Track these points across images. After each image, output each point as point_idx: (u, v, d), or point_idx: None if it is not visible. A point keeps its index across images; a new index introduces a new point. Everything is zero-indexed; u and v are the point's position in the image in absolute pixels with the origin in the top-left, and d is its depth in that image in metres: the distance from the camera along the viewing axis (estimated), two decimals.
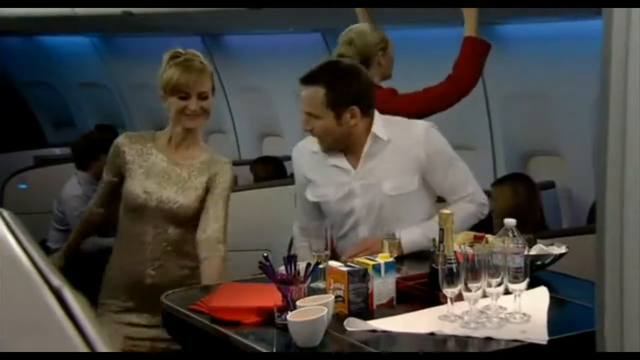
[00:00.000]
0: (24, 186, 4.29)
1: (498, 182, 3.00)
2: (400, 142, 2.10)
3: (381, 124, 2.10)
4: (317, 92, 2.03)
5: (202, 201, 2.09)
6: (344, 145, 2.11)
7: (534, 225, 2.84)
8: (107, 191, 2.22)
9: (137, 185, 2.10)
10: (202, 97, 2.06)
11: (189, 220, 2.09)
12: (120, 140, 2.17)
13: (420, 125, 2.14)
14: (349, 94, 2.04)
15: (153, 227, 2.09)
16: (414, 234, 2.08)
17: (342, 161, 2.12)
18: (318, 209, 2.18)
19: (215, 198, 2.09)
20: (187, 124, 2.09)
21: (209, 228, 2.05)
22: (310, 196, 2.16)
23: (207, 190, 2.10)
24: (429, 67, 3.45)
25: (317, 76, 2.05)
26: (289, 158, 2.56)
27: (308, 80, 2.06)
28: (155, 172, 2.11)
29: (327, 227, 2.03)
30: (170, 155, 2.13)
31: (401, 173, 2.10)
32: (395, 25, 3.47)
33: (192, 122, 2.09)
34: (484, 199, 2.17)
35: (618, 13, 1.14)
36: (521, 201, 2.85)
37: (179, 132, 2.12)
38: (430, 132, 2.12)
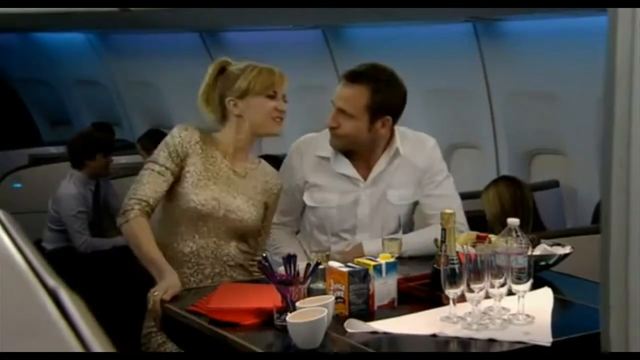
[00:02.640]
0: (18, 185, 4.26)
1: (485, 188, 2.97)
2: (411, 156, 2.11)
3: (399, 137, 2.11)
4: (361, 93, 2.00)
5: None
6: (356, 152, 2.09)
7: (526, 226, 2.82)
8: (166, 188, 1.90)
9: (203, 191, 1.92)
10: (285, 100, 1.98)
11: (251, 233, 2.01)
12: (183, 132, 1.94)
13: (430, 141, 2.16)
14: (389, 103, 2.03)
15: (214, 240, 1.94)
16: (413, 239, 2.07)
17: (350, 170, 2.11)
18: (300, 210, 2.17)
19: (271, 216, 2.05)
20: (275, 129, 1.97)
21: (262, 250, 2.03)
22: (310, 200, 2.13)
23: (265, 203, 2.02)
24: (420, 63, 3.44)
25: (365, 76, 2.01)
26: None
27: (354, 78, 2.02)
28: (222, 179, 1.96)
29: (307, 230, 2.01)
30: (233, 163, 2.00)
31: (405, 184, 2.12)
32: (387, 23, 3.46)
33: (279, 126, 1.96)
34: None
35: (623, 13, 1.13)
36: (506, 203, 2.83)
37: (243, 139, 1.98)
38: (436, 147, 2.16)
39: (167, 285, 1.81)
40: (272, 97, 1.96)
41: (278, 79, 1.96)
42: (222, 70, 2.01)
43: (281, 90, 1.97)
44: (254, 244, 2.05)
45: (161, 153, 1.94)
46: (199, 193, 1.92)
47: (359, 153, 2.10)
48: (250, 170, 2.02)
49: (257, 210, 1.99)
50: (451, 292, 1.57)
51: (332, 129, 2.06)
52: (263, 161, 2.10)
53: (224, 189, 1.95)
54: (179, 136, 1.95)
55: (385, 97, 2.02)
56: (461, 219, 2.09)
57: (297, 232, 2.28)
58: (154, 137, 4.28)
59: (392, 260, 1.72)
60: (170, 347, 1.93)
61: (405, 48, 3.52)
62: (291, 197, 2.16)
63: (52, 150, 5.43)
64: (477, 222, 2.87)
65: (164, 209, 1.97)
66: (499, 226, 2.57)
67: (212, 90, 2.01)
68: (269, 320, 1.61)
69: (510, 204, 2.84)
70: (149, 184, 1.90)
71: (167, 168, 1.92)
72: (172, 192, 1.93)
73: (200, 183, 1.93)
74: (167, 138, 1.97)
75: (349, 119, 2.02)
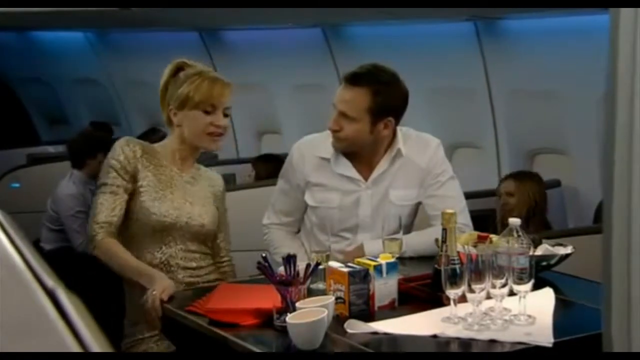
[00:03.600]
0: (16, 185, 4.25)
1: (519, 177, 3.00)
2: (413, 156, 2.11)
3: (401, 138, 2.10)
4: (362, 95, 2.00)
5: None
6: (358, 153, 2.09)
7: (541, 225, 2.85)
8: (124, 206, 1.90)
9: (163, 203, 1.91)
10: (225, 113, 1.94)
11: (209, 236, 2.02)
12: (125, 148, 1.91)
13: (433, 142, 2.15)
14: (391, 105, 2.03)
15: (181, 247, 1.95)
16: (414, 239, 2.06)
17: (351, 171, 2.11)
18: (302, 210, 2.16)
19: (223, 218, 2.07)
20: (212, 145, 1.94)
21: (225, 250, 2.07)
22: (311, 200, 2.13)
23: (216, 207, 2.03)
24: (421, 62, 3.42)
25: (366, 78, 2.01)
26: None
27: (355, 80, 2.02)
28: (177, 187, 1.95)
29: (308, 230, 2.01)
30: (182, 170, 1.99)
31: (408, 185, 2.11)
32: (388, 21, 3.45)
33: (217, 143, 1.93)
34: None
35: (625, 12, 1.12)
36: (539, 200, 2.89)
37: (185, 149, 1.96)
38: (440, 148, 2.14)
39: (162, 286, 1.80)
40: (209, 112, 1.91)
41: (218, 92, 1.90)
42: (177, 71, 1.96)
43: (221, 105, 1.92)
44: (212, 246, 2.06)
45: (109, 174, 1.91)
46: (159, 205, 1.92)
47: (361, 154, 2.09)
48: (197, 176, 2.02)
49: (212, 213, 2.01)
50: (452, 293, 1.56)
51: (334, 131, 2.05)
52: (202, 167, 2.07)
53: (181, 197, 1.96)
54: (122, 153, 1.91)
55: (386, 98, 2.01)
56: (465, 219, 2.07)
57: (298, 232, 2.28)
58: (153, 136, 4.28)
59: (392, 260, 1.71)
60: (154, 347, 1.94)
61: (406, 47, 3.51)
62: (293, 197, 2.16)
63: (51, 149, 5.42)
64: (479, 221, 2.87)
65: (125, 226, 1.93)
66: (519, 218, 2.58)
67: (164, 93, 1.97)
68: (268, 321, 1.60)
69: (540, 199, 2.90)
70: (105, 207, 1.89)
71: (118, 186, 1.90)
72: (129, 208, 1.92)
73: (157, 195, 1.92)
74: (110, 158, 1.93)
75: (351, 121, 2.01)
